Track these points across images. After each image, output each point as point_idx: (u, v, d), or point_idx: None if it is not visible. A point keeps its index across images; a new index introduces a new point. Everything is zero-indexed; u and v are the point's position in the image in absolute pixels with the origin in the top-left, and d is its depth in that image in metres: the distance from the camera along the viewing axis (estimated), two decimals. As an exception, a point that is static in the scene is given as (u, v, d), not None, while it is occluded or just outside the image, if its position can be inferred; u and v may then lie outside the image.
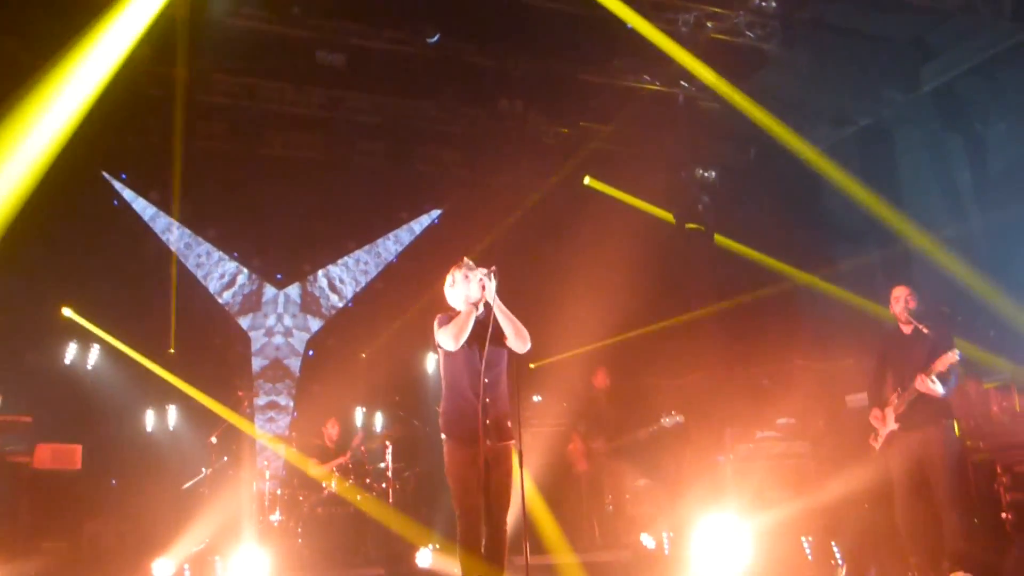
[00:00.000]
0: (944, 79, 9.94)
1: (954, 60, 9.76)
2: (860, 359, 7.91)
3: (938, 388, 6.59)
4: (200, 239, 12.48)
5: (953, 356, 6.52)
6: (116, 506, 10.20)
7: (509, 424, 5.90)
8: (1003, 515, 7.65)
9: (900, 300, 6.99)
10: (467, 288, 5.84)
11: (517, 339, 5.82)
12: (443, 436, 5.91)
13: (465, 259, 5.98)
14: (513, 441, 5.88)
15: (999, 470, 7.81)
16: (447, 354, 5.92)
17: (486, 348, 5.80)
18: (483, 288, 5.71)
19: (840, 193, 10.23)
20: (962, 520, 6.58)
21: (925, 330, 6.80)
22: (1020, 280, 8.62)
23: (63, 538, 9.38)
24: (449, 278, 5.98)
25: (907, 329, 7.01)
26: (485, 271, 5.76)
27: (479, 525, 5.80)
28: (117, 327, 10.76)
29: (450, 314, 5.91)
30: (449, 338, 5.74)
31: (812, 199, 11.38)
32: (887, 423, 6.88)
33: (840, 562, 7.74)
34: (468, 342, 5.81)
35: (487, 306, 5.79)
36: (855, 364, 8.95)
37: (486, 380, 5.80)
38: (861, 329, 10.17)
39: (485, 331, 5.80)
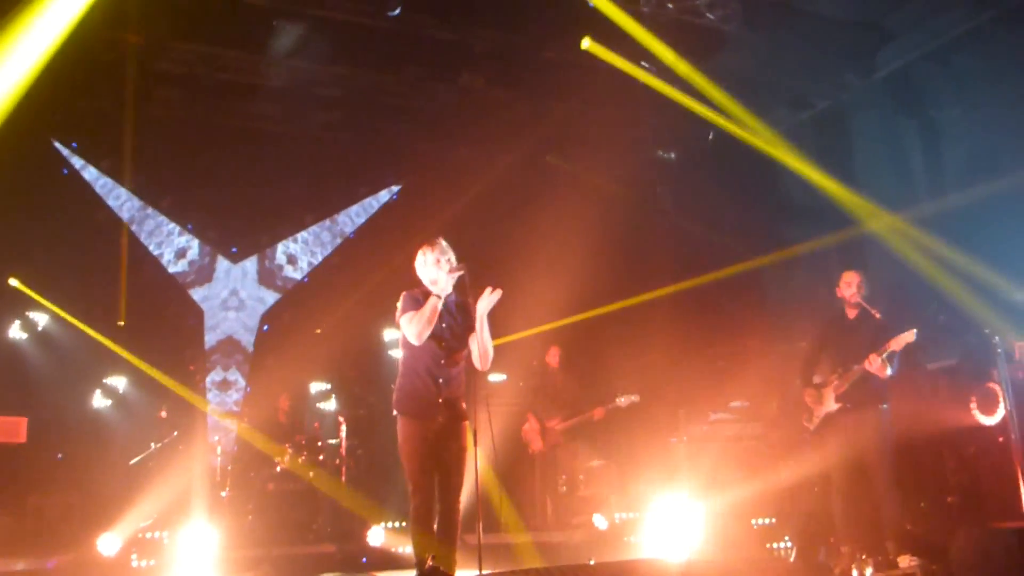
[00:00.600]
0: (900, 64, 10.01)
1: (910, 45, 9.82)
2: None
3: (887, 368, 6.66)
4: (153, 210, 12.26)
5: (911, 335, 6.59)
6: (62, 480, 10.06)
7: (464, 405, 5.90)
8: (949, 498, 7.78)
9: (853, 285, 7.05)
10: (437, 273, 5.81)
11: (482, 360, 5.85)
12: (395, 412, 5.88)
13: (442, 241, 5.95)
14: (468, 420, 5.87)
15: (945, 453, 7.94)
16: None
17: (447, 329, 5.81)
18: (453, 279, 5.76)
19: (797, 176, 10.29)
20: (901, 502, 6.68)
21: (876, 315, 6.86)
22: (972, 265, 8.71)
23: (6, 511, 9.25)
24: (421, 256, 5.95)
25: (852, 313, 7.07)
26: (461, 269, 5.76)
27: (432, 502, 5.78)
28: (65, 298, 10.58)
29: (416, 295, 5.88)
30: (413, 333, 5.72)
31: (770, 181, 11.43)
32: (824, 403, 6.94)
33: (790, 544, 7.83)
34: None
35: (458, 295, 5.87)
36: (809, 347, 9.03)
37: (443, 361, 5.81)
38: (816, 312, 10.26)
39: (450, 318, 5.80)
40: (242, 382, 12.35)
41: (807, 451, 7.36)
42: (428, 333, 5.70)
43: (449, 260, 5.85)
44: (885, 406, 6.84)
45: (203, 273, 12.51)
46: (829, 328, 7.23)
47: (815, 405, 7.02)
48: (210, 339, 12.39)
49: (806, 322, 9.43)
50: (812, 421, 7.04)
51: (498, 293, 5.76)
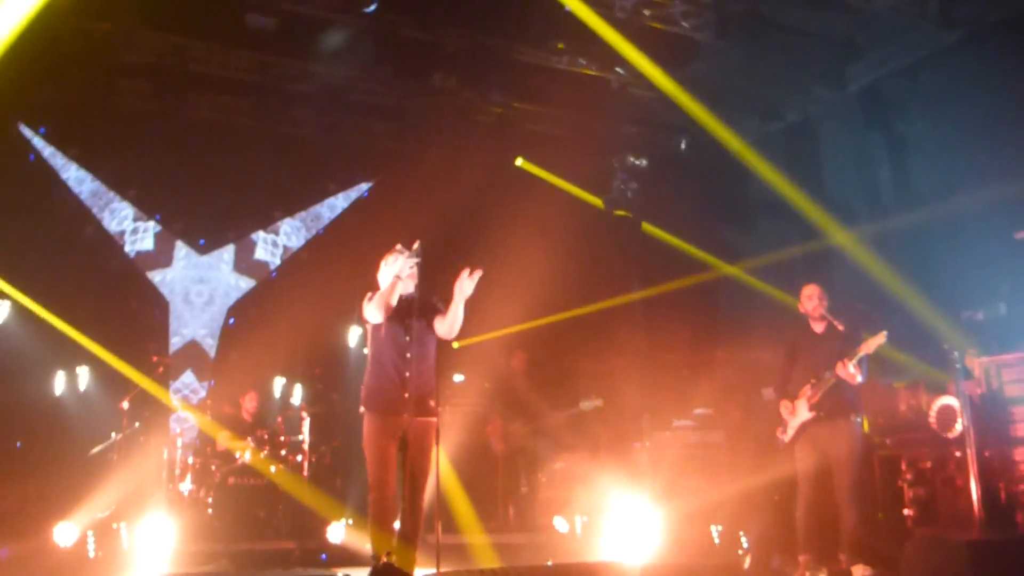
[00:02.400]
0: (869, 79, 10.13)
1: (880, 60, 9.94)
2: (778, 352, 8.06)
3: (858, 375, 6.72)
4: (120, 199, 12.16)
5: (882, 338, 6.64)
6: (19, 469, 9.93)
7: (432, 403, 5.91)
8: (905, 510, 7.87)
9: (814, 298, 7.09)
10: (396, 267, 5.93)
11: (448, 328, 5.96)
12: (362, 409, 5.89)
13: (398, 246, 6.11)
14: (435, 419, 5.88)
15: (903, 467, 8.03)
16: (374, 328, 5.96)
17: (413, 324, 5.82)
18: (413, 269, 5.92)
19: (766, 187, 10.39)
20: (861, 513, 6.74)
21: (840, 326, 6.93)
22: (933, 281, 8.83)
23: (-38, 501, 9.13)
24: (383, 265, 6.17)
25: (819, 327, 7.13)
26: (416, 255, 5.94)
27: (391, 499, 5.80)
28: (27, 285, 10.44)
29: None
30: (375, 309, 5.81)
31: (739, 191, 11.53)
32: (797, 414, 6.98)
33: (745, 549, 7.90)
34: (396, 318, 5.82)
35: (417, 286, 5.98)
36: (772, 357, 9.10)
37: (409, 355, 5.84)
38: (781, 322, 10.34)
39: (412, 308, 5.81)
40: (206, 374, 12.28)
41: (775, 460, 7.40)
42: (389, 306, 5.79)
43: (407, 254, 5.97)
44: (858, 418, 6.91)
45: (170, 265, 12.42)
46: (798, 340, 7.27)
47: (789, 416, 7.06)
48: (174, 329, 12.30)
49: (769, 331, 9.54)
50: (786, 432, 7.08)
51: (478, 274, 5.86)
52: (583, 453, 10.23)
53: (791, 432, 7.04)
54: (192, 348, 12.39)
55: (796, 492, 7.05)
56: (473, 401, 10.95)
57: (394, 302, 5.83)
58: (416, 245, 5.99)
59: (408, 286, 5.94)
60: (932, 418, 7.73)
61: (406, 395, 5.78)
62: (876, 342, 6.64)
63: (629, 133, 11.91)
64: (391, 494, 5.81)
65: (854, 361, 6.68)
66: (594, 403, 10.17)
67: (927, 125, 9.79)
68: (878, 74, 10.01)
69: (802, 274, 10.37)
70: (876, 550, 6.76)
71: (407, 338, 5.88)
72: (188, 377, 12.22)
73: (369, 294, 5.99)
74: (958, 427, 7.40)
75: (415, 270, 5.97)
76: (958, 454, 7.34)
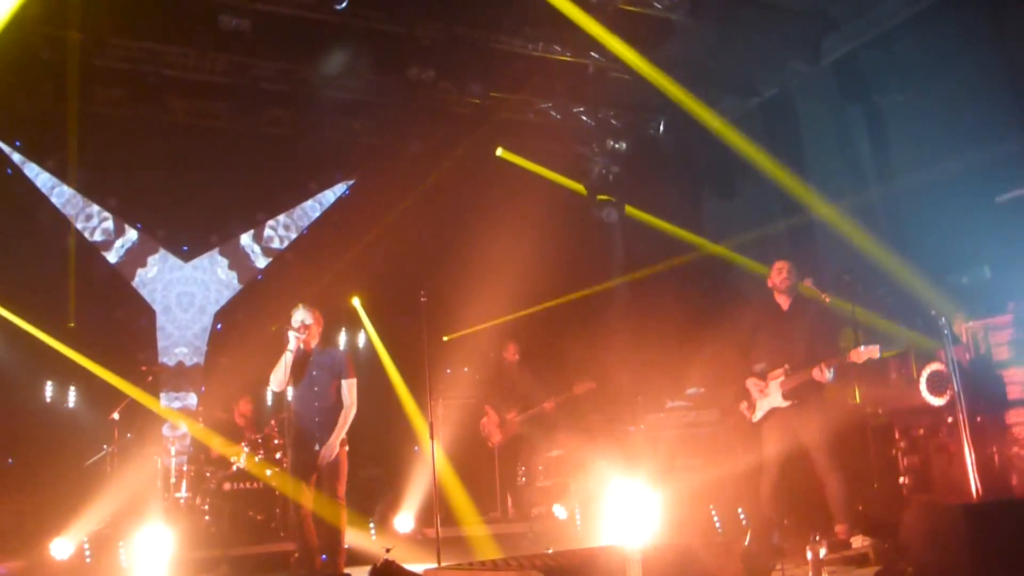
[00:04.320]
0: (844, 50, 10.13)
1: (854, 32, 9.94)
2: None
3: (830, 377, 6.86)
4: (100, 209, 12.08)
5: (875, 351, 6.70)
6: (13, 484, 9.88)
7: None
8: (900, 479, 7.89)
9: (783, 271, 7.23)
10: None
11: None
12: None
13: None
14: None
15: (897, 435, 8.05)
16: None
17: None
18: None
19: (747, 163, 10.38)
20: (846, 479, 6.83)
21: (827, 299, 6.98)
22: (917, 248, 8.85)
23: (-44, 518, 9.07)
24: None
25: (784, 302, 7.24)
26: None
27: None
28: (12, 300, 10.37)
29: None
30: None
31: (720, 169, 11.53)
32: (769, 396, 7.05)
33: (744, 527, 7.91)
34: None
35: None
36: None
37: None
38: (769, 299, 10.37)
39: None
40: (197, 381, 12.23)
41: (753, 439, 7.45)
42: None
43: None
44: (824, 395, 7.12)
45: (154, 272, 12.36)
46: (762, 316, 7.36)
47: (759, 395, 7.11)
48: (162, 337, 12.24)
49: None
50: (754, 412, 7.15)
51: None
52: (578, 440, 10.23)
53: (760, 414, 7.15)
54: (180, 355, 12.32)
55: (795, 467, 7.11)
56: (466, 393, 10.96)
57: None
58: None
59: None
60: (923, 385, 7.75)
61: None
62: (868, 354, 6.70)
63: (608, 117, 11.89)
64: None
65: (830, 368, 6.80)
66: (587, 386, 10.19)
67: (904, 94, 9.79)
68: (852, 45, 10.00)
69: (787, 248, 10.42)
70: (873, 519, 6.80)
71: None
72: (178, 384, 12.16)
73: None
74: (949, 393, 7.42)
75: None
76: (950, 420, 7.37)
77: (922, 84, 9.48)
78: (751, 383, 7.19)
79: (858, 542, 6.48)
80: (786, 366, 7.04)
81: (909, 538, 5.52)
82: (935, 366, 7.68)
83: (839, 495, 6.82)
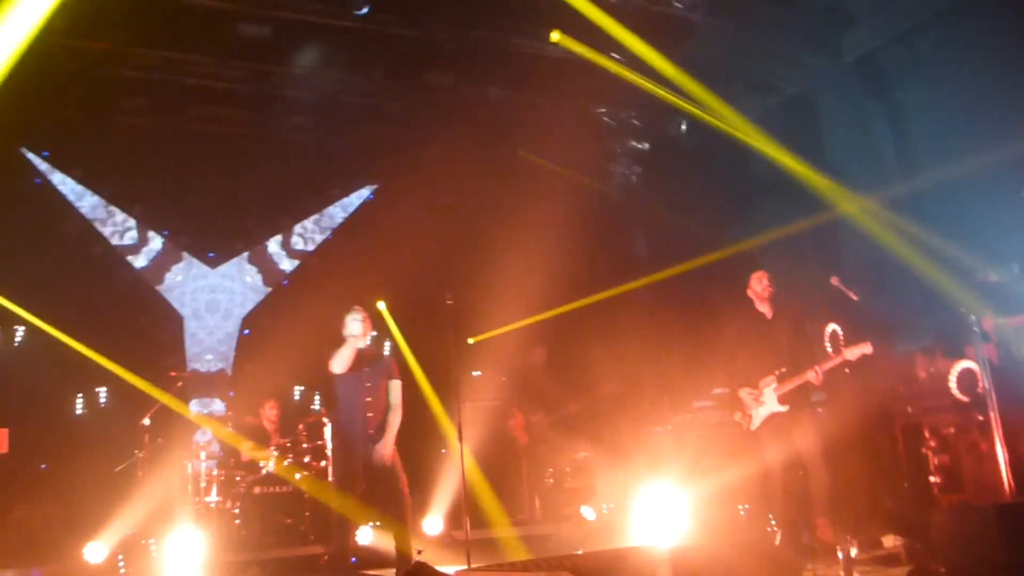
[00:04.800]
0: (865, 48, 10.09)
1: (875, 29, 9.90)
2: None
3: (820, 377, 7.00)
4: (126, 217, 12.19)
5: (868, 347, 6.76)
6: (46, 490, 9.99)
7: None
8: (931, 478, 7.86)
9: (764, 280, 7.41)
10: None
11: None
12: None
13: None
14: None
15: (926, 434, 8.02)
16: None
17: None
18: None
19: (768, 162, 10.36)
20: (831, 481, 7.01)
21: (855, 297, 7.03)
22: (944, 245, 8.81)
23: (-10, 523, 9.19)
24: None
25: (768, 311, 7.37)
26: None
27: None
28: (42, 308, 10.49)
29: None
30: None
31: (742, 168, 11.50)
32: (765, 404, 7.13)
33: (774, 528, 7.90)
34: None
35: None
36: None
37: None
38: (794, 296, 10.33)
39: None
40: (225, 387, 12.32)
41: (794, 435, 7.45)
42: None
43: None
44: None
45: (182, 279, 12.46)
46: (746, 326, 7.47)
47: (754, 404, 7.19)
48: (189, 343, 12.33)
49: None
50: (751, 421, 7.22)
51: None
52: (605, 441, 10.25)
53: (758, 421, 7.23)
54: (207, 361, 12.42)
55: (768, 481, 7.19)
56: (492, 396, 10.98)
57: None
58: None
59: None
60: (952, 383, 7.73)
61: None
62: (861, 351, 6.75)
63: (629, 117, 11.88)
64: None
65: (824, 368, 6.91)
66: (613, 387, 10.20)
67: (926, 90, 9.75)
68: (874, 42, 9.97)
69: (810, 247, 10.39)
70: (904, 519, 6.79)
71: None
72: (206, 390, 12.25)
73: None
74: (979, 391, 7.39)
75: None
76: (980, 418, 7.33)
77: (945, 80, 9.44)
78: (745, 392, 7.27)
79: (889, 542, 6.48)
80: (777, 372, 7.15)
81: (941, 538, 5.51)
82: (965, 364, 7.66)
83: (823, 490, 6.97)
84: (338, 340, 11.78)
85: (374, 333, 7.46)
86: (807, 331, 7.42)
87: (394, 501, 7.06)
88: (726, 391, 9.77)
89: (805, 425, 7.09)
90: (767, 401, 7.16)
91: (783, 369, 7.12)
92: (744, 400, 7.29)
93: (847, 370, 7.02)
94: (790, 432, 7.10)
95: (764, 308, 7.40)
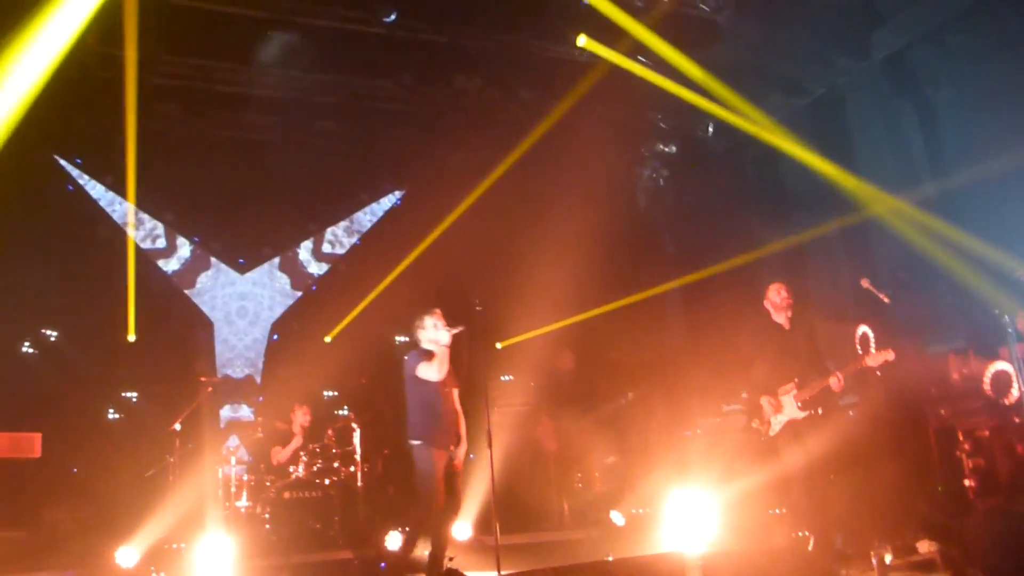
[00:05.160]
0: (894, 46, 10.00)
1: (904, 27, 9.82)
2: (821, 328, 8.06)
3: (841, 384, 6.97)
4: (158, 223, 12.29)
5: (889, 355, 6.71)
6: (77, 494, 10.09)
7: None
8: (965, 481, 7.76)
9: (783, 291, 7.37)
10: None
11: None
12: None
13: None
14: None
15: (960, 436, 7.92)
16: None
17: None
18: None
19: (797, 163, 10.29)
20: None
21: (886, 299, 6.97)
22: (975, 245, 8.71)
23: (22, 526, 9.26)
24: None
25: (786, 321, 7.35)
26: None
27: None
28: (75, 314, 10.60)
29: None
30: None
31: (770, 169, 11.43)
32: (785, 410, 7.13)
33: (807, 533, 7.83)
34: None
35: None
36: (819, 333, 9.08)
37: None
38: (825, 299, 10.26)
39: None
40: (255, 392, 12.38)
41: (826, 439, 7.41)
42: None
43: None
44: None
45: (211, 285, 12.54)
46: (763, 336, 7.46)
47: (773, 411, 7.18)
48: (219, 349, 12.41)
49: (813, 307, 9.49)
50: (769, 427, 7.17)
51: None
52: (635, 445, 10.21)
53: (776, 428, 7.19)
54: (236, 367, 12.48)
55: (854, 469, 7.11)
56: (521, 400, 10.96)
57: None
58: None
59: None
60: (987, 385, 7.64)
61: None
62: (883, 357, 6.70)
63: (656, 120, 11.84)
64: None
65: (849, 372, 6.89)
66: (640, 392, 10.16)
67: (956, 88, 9.66)
68: (904, 40, 9.88)
69: (840, 247, 10.31)
70: (940, 523, 6.71)
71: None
72: (234, 396, 12.32)
73: None
74: (1015, 392, 7.30)
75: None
76: (1016, 420, 7.24)
77: (975, 78, 9.34)
78: (764, 400, 7.24)
79: (924, 547, 6.40)
80: (796, 380, 7.13)
81: (977, 543, 5.44)
82: (999, 365, 7.56)
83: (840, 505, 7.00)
84: (366, 345, 11.90)
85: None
86: (820, 339, 7.37)
87: (453, 507, 7.06)
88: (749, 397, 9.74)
89: (822, 432, 7.05)
90: (786, 407, 7.13)
91: (802, 376, 7.11)
92: (763, 407, 7.26)
93: (878, 372, 6.95)
94: (808, 438, 7.06)
95: (781, 318, 7.39)
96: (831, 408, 7.19)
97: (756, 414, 7.36)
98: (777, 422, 7.18)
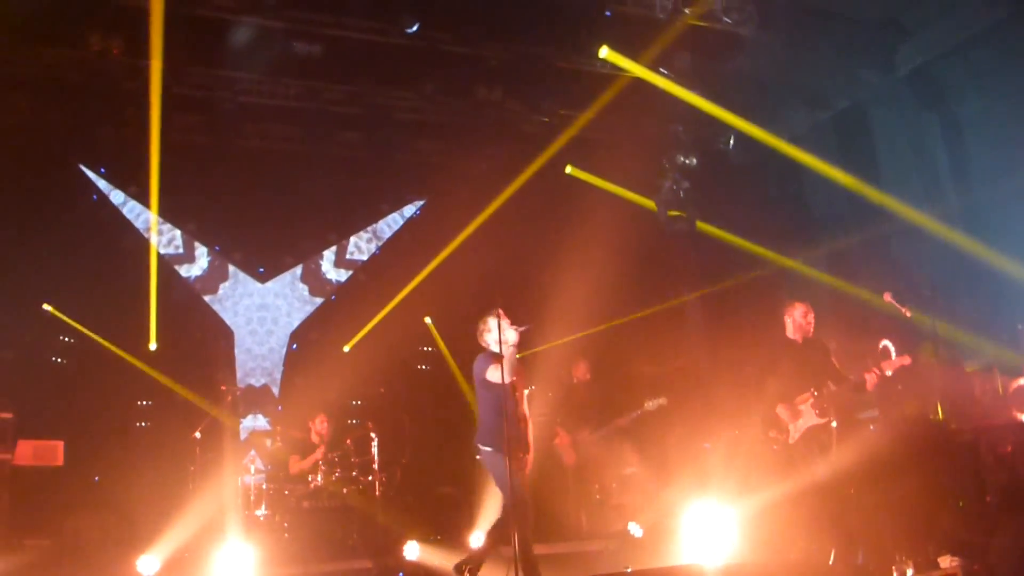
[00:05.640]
0: (919, 60, 9.97)
1: (929, 41, 9.80)
2: (843, 342, 8.04)
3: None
4: (180, 233, 12.38)
5: (906, 360, 6.77)
6: (99, 502, 10.11)
7: None
8: (987, 497, 7.69)
9: (808, 316, 7.55)
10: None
11: None
12: None
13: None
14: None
15: (982, 452, 7.85)
16: None
17: None
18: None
19: (820, 176, 10.26)
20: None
21: (909, 313, 6.99)
22: (1000, 260, 8.66)
23: (45, 534, 9.31)
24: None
25: (798, 338, 7.51)
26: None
27: None
28: (99, 323, 10.67)
29: None
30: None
31: (792, 183, 11.40)
32: (803, 418, 7.21)
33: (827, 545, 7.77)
34: None
35: None
36: (838, 347, 9.02)
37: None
38: (842, 312, 10.19)
39: None
40: (274, 401, 12.42)
41: (845, 452, 7.38)
42: None
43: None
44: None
45: (232, 294, 12.60)
46: (780, 349, 7.63)
47: (793, 418, 7.23)
48: (240, 358, 12.45)
49: (834, 321, 9.45)
50: (784, 435, 7.19)
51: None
52: (653, 457, 10.16)
53: (795, 435, 7.30)
54: (255, 376, 12.53)
55: (874, 482, 7.06)
56: (539, 411, 10.92)
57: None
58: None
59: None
60: (1010, 400, 7.57)
61: None
62: (901, 362, 6.76)
63: (677, 132, 11.82)
64: None
65: (878, 375, 6.99)
66: (658, 401, 10.10)
67: (981, 103, 9.62)
68: (928, 55, 9.86)
69: (861, 261, 10.26)
70: (961, 539, 6.64)
71: None
72: (253, 405, 12.36)
73: None
74: (1037, 408, 7.24)
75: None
76: (1039, 436, 7.18)
77: (1000, 92, 9.31)
78: (781, 409, 7.37)
79: (946, 562, 6.33)
80: (812, 389, 7.20)
81: (1000, 559, 5.39)
82: (1023, 380, 7.51)
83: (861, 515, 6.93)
84: (384, 354, 11.91)
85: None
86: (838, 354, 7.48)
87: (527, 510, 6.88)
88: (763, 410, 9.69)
89: (845, 441, 7.10)
90: (805, 415, 7.14)
91: (820, 386, 7.19)
92: (780, 416, 7.28)
93: (900, 387, 6.93)
94: (831, 446, 7.08)
95: (796, 336, 7.53)
96: (849, 419, 7.18)
97: (772, 425, 7.36)
98: (796, 429, 7.18)
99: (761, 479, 8.90)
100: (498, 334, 6.82)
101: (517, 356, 6.89)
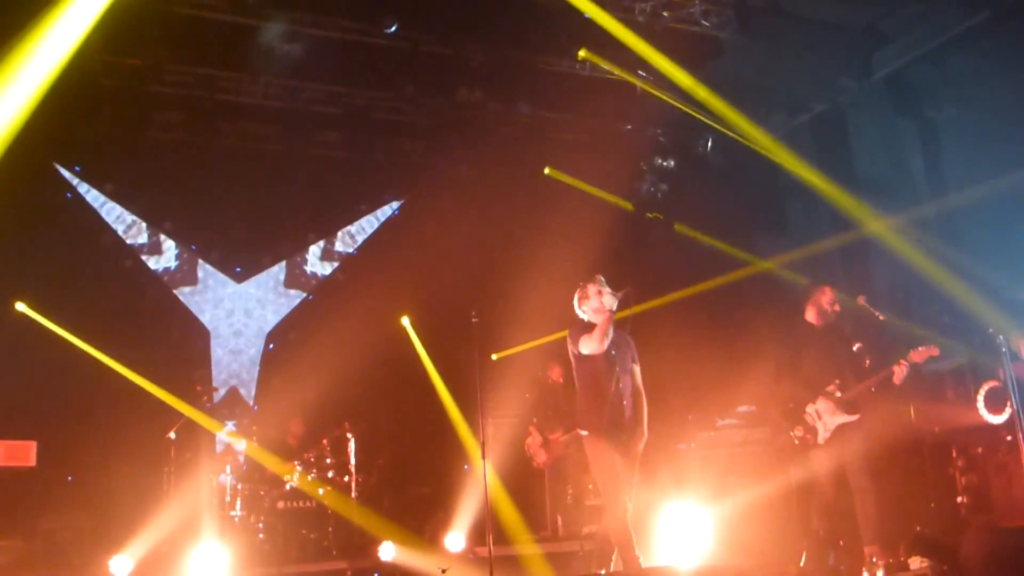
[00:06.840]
0: (896, 65, 10.05)
1: (905, 46, 9.87)
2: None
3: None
4: (156, 231, 12.29)
5: (935, 350, 6.59)
6: (72, 503, 10.03)
7: None
8: (958, 498, 7.77)
9: (836, 304, 7.09)
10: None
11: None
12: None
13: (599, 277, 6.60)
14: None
15: (954, 454, 7.94)
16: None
17: None
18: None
19: (796, 180, 10.32)
20: (879, 504, 6.71)
21: (881, 317, 6.93)
22: (973, 265, 8.73)
23: (17, 535, 9.22)
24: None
25: (816, 322, 7.11)
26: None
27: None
28: (72, 322, 10.58)
29: None
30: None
31: (769, 186, 11.45)
32: (835, 415, 6.86)
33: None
34: None
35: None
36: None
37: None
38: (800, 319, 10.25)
39: None
40: (250, 402, 12.36)
41: (820, 455, 7.32)
42: None
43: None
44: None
45: (208, 294, 12.53)
46: (803, 335, 7.18)
47: (817, 418, 6.94)
48: (215, 358, 12.39)
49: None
50: (813, 434, 6.93)
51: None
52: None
53: (826, 434, 6.88)
54: (234, 376, 12.46)
55: (810, 496, 6.97)
56: (515, 412, 10.95)
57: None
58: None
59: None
60: (981, 403, 7.64)
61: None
62: (928, 353, 6.57)
63: (655, 135, 11.88)
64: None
65: (906, 367, 6.63)
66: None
67: (957, 108, 9.71)
68: (904, 60, 9.93)
69: (838, 265, 10.32)
70: (931, 540, 6.68)
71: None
72: (230, 406, 12.29)
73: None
74: (1008, 411, 7.30)
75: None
76: (1009, 439, 7.25)
77: (976, 98, 9.39)
78: (811, 408, 6.98)
79: (916, 563, 6.38)
80: (837, 381, 6.90)
81: (969, 561, 5.44)
82: (993, 383, 7.58)
83: (873, 515, 6.63)
84: (362, 355, 11.87)
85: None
86: (868, 337, 7.15)
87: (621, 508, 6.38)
88: (753, 409, 9.71)
89: (864, 433, 6.82)
90: (836, 414, 6.86)
91: (843, 379, 6.88)
92: (809, 415, 6.95)
93: (873, 389, 6.86)
94: (856, 442, 6.79)
95: (813, 319, 7.14)
96: (866, 413, 6.91)
97: (797, 422, 7.05)
98: (826, 428, 6.87)
99: (737, 481, 8.95)
100: (595, 301, 6.43)
101: (616, 321, 6.37)
